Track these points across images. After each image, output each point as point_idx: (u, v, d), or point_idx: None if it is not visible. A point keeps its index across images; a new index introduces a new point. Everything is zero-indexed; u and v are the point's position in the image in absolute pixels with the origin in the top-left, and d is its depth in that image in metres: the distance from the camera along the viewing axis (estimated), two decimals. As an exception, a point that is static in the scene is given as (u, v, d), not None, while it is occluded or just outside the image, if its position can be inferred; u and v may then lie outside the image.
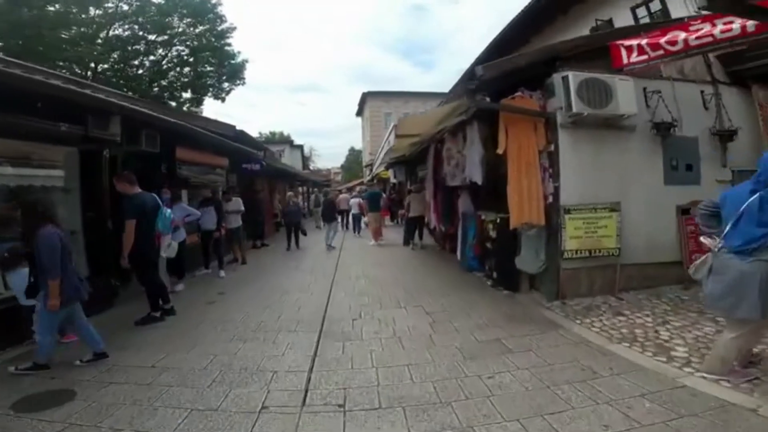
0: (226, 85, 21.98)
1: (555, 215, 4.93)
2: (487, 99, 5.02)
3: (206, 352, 3.87)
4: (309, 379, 3.28)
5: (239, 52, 22.06)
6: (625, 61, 4.63)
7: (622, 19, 9.05)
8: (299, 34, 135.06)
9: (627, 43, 4.63)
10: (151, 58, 20.44)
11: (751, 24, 3.65)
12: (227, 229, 8.67)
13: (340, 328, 4.48)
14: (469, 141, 6.21)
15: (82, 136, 4.65)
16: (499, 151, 5.11)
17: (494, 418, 2.64)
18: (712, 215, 3.05)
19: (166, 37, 19.79)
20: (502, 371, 3.31)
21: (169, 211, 5.00)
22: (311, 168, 42.05)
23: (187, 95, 22.09)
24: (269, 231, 13.21)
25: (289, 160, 29.29)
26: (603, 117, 4.83)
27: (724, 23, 3.90)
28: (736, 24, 3.83)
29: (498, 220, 5.76)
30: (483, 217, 6.33)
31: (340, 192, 20.02)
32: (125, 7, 18.51)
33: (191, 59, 20.74)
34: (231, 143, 8.91)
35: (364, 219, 13.41)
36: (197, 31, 20.32)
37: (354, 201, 15.05)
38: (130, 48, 19.36)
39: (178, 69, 21.14)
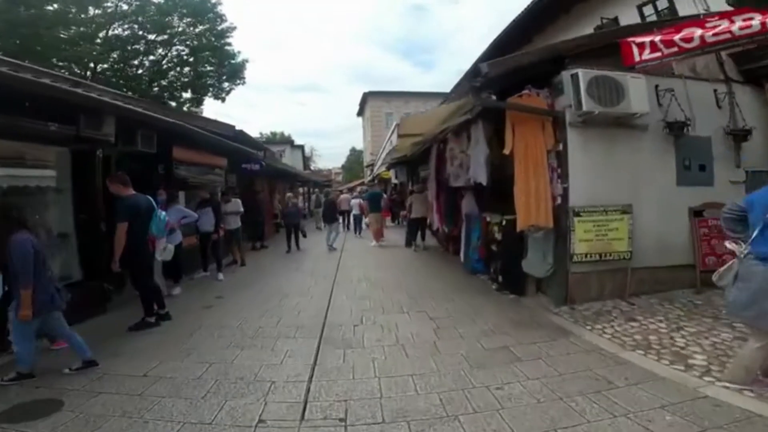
0: (226, 84, 21.84)
1: (564, 217, 4.77)
2: (493, 97, 4.87)
3: (201, 360, 3.70)
4: (308, 390, 3.12)
5: (239, 52, 21.95)
6: (636, 58, 4.46)
7: (628, 17, 8.89)
8: (299, 34, 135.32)
9: (638, 40, 4.47)
10: (151, 57, 20.31)
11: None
12: (226, 231, 8.51)
13: (340, 334, 4.32)
14: (473, 141, 6.05)
15: (73, 136, 4.49)
16: (506, 151, 4.95)
17: (505, 434, 2.48)
18: (738, 219, 2.88)
19: (165, 36, 19.64)
20: (512, 381, 3.15)
21: (163, 213, 4.84)
22: (312, 168, 41.89)
23: (187, 95, 21.98)
24: (269, 232, 13.04)
25: (290, 160, 29.14)
26: (614, 116, 4.67)
27: (744, 19, 3.76)
28: (756, 20, 3.69)
29: (504, 222, 5.60)
30: (488, 219, 6.16)
31: (341, 192, 19.85)
32: (125, 7, 18.38)
33: (191, 59, 20.59)
34: (230, 143, 8.76)
35: (366, 220, 13.25)
36: (197, 30, 20.18)
37: (354, 202, 14.93)
38: (129, 48, 19.22)
39: (177, 69, 21.00)
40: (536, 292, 5.41)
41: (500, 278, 5.78)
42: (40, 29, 14.44)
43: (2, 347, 3.69)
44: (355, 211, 14.78)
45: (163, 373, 3.44)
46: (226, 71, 21.48)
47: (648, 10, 8.99)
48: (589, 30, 8.80)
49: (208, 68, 21.33)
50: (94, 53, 17.72)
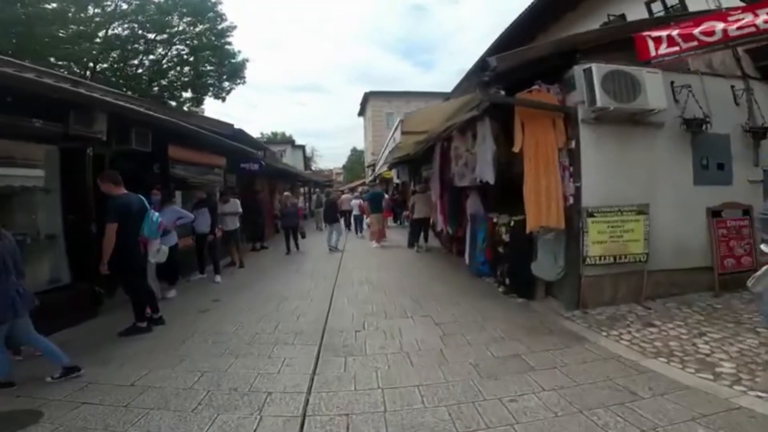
0: (226, 84, 21.60)
1: (576, 218, 4.55)
2: (502, 92, 4.65)
3: (194, 368, 3.49)
4: (307, 402, 2.90)
5: (239, 51, 21.75)
6: (652, 53, 4.27)
7: (635, 14, 8.70)
8: (299, 34, 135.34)
9: (654, 34, 4.29)
10: (151, 57, 20.09)
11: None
12: (224, 232, 8.32)
13: (341, 340, 4.10)
14: (479, 138, 5.83)
15: (62, 133, 4.28)
16: (516, 148, 4.73)
17: (522, 454, 2.27)
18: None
19: (165, 36, 19.42)
20: (526, 393, 2.93)
21: (156, 214, 4.61)
22: (313, 168, 41.73)
23: (187, 95, 21.73)
24: (269, 233, 12.82)
25: (291, 160, 28.97)
26: (629, 112, 4.46)
27: None
28: (782, 13, 3.48)
29: (512, 223, 5.38)
30: (495, 220, 5.94)
31: (342, 192, 19.63)
32: (124, 6, 18.21)
33: (191, 58, 20.36)
34: (228, 142, 8.55)
35: (367, 220, 13.04)
36: (197, 29, 19.95)
37: (355, 202, 14.74)
38: (129, 47, 19.03)
39: (178, 68, 20.77)
40: (545, 295, 5.19)
41: (507, 281, 5.56)
42: (35, 28, 14.23)
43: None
44: (356, 212, 14.60)
45: (152, 383, 3.23)
46: (226, 71, 21.25)
47: (656, 6, 8.80)
48: (595, 28, 8.60)
49: (208, 68, 21.11)
50: (94, 52, 17.55)
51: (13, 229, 4.40)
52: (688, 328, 3.93)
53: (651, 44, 4.29)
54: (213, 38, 20.33)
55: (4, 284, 3.06)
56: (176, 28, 19.54)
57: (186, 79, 21.02)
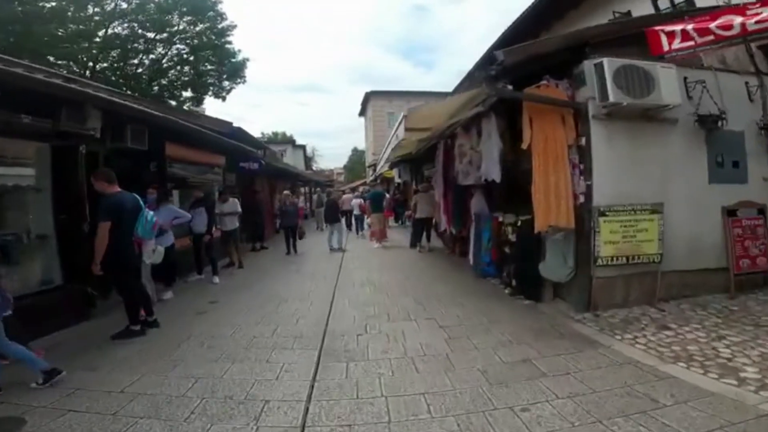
0: (226, 83, 21.52)
1: (587, 217, 4.39)
2: (510, 87, 4.49)
3: (188, 374, 3.32)
4: (307, 412, 2.73)
5: (239, 51, 21.66)
6: (665, 48, 4.11)
7: (641, 11, 8.50)
8: (300, 35, 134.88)
9: (668, 28, 4.14)
10: (151, 56, 19.97)
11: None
12: (223, 232, 8.17)
13: (343, 344, 3.93)
14: (485, 135, 5.67)
15: (53, 130, 4.13)
16: (524, 145, 4.57)
17: (539, 470, 2.10)
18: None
19: (165, 35, 19.30)
20: (539, 401, 2.76)
21: (151, 214, 4.44)
22: (314, 168, 41.61)
23: (187, 94, 21.63)
24: (269, 233, 12.66)
25: (292, 160, 28.84)
26: (642, 108, 4.31)
27: None
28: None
29: (519, 223, 5.21)
30: (500, 219, 5.77)
31: (343, 192, 19.48)
32: (124, 5, 18.10)
33: (191, 57, 20.26)
34: (227, 140, 8.40)
35: (368, 220, 12.88)
36: (197, 29, 19.84)
37: (355, 201, 14.60)
38: (129, 46, 18.91)
39: (178, 67, 20.67)
40: (553, 297, 5.03)
41: (514, 282, 5.39)
42: (33, 26, 14.08)
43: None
44: (356, 212, 14.46)
45: (143, 389, 3.07)
46: (226, 70, 21.16)
47: (663, 3, 8.63)
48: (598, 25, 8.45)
49: (209, 67, 21.02)
50: (93, 51, 17.43)
51: (2, 229, 4.28)
52: (705, 331, 3.76)
53: (664, 39, 4.15)
54: (213, 37, 20.23)
55: None
56: (176, 28, 19.43)
57: (186, 78, 20.93)
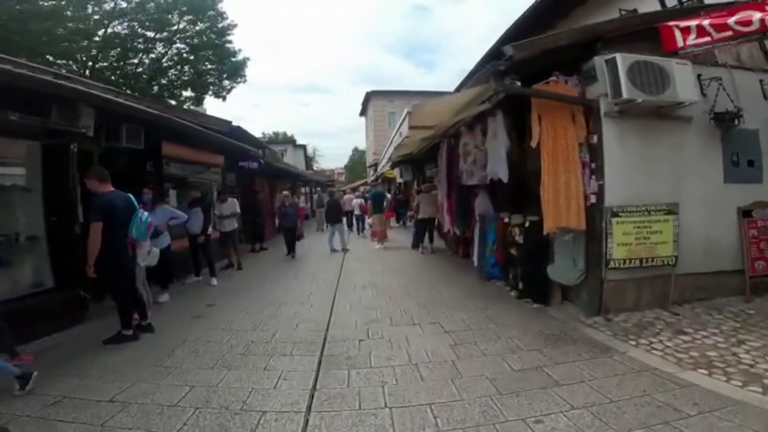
0: (226, 83, 21.33)
1: (598, 218, 4.22)
2: (518, 83, 4.33)
3: (181, 381, 3.17)
4: (306, 424, 2.58)
5: (240, 50, 21.52)
6: (679, 43, 3.98)
7: (648, 8, 8.35)
8: (301, 35, 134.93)
9: (682, 24, 4.01)
10: (151, 55, 19.78)
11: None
12: (222, 233, 8.01)
13: (344, 351, 3.76)
14: (490, 134, 5.50)
15: (43, 128, 3.97)
16: (533, 143, 4.41)
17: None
18: None
19: (165, 34, 19.13)
20: (553, 412, 2.60)
21: (146, 214, 4.27)
22: (315, 168, 41.46)
23: (187, 93, 21.45)
24: (269, 234, 12.49)
25: (292, 159, 28.67)
26: (656, 105, 4.14)
27: None
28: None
29: (526, 224, 5.04)
30: (506, 220, 5.60)
31: (345, 192, 19.31)
32: (124, 4, 17.95)
33: (191, 57, 20.07)
34: (226, 139, 8.24)
35: (369, 220, 12.71)
36: (197, 28, 19.67)
37: (356, 201, 14.44)
38: (129, 45, 18.76)
39: (178, 67, 20.47)
40: (562, 300, 4.86)
41: (521, 285, 5.21)
42: (30, 24, 13.93)
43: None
44: (357, 212, 14.30)
45: (133, 398, 2.92)
46: (226, 69, 20.98)
47: (671, 1, 8.47)
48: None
49: (209, 66, 20.84)
50: (93, 51, 17.28)
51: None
52: (724, 336, 3.60)
53: (678, 34, 4.02)
54: (213, 37, 20.05)
55: None
56: (176, 27, 19.25)
57: (186, 77, 20.75)
